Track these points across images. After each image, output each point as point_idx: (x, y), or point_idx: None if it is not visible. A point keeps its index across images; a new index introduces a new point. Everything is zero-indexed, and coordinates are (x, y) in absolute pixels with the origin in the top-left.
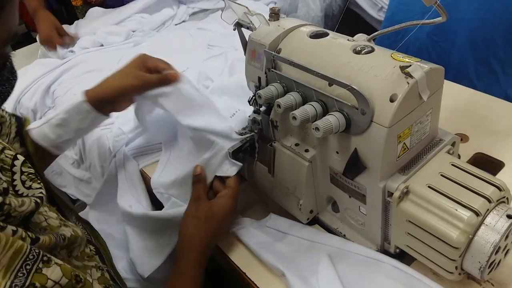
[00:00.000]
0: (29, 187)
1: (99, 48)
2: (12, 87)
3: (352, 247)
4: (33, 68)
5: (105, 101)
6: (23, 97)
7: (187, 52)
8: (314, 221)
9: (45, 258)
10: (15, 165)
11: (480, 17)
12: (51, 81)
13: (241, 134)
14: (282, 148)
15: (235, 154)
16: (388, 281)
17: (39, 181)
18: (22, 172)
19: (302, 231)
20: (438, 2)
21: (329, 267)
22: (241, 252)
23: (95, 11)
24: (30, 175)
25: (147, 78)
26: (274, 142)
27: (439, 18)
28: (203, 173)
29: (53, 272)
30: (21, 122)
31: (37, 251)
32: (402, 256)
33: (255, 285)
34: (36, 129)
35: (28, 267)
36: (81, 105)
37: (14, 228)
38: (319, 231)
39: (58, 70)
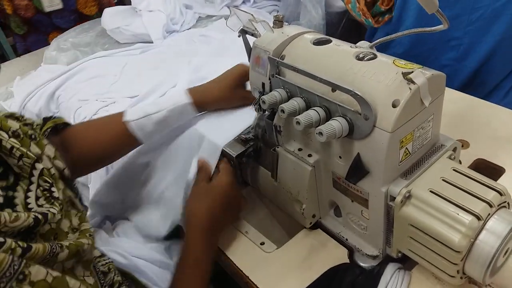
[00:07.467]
0: (41, 206)
1: (103, 54)
2: None
3: None
4: (38, 74)
5: (204, 108)
6: (28, 102)
7: (190, 59)
8: (316, 226)
9: (20, 277)
10: (33, 175)
11: None
12: (55, 87)
13: (245, 139)
14: (286, 153)
15: (239, 158)
16: None
17: (52, 201)
18: (38, 185)
19: None
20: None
21: None
22: (244, 255)
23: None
24: (45, 193)
25: (249, 100)
26: (278, 147)
27: (441, 26)
28: (204, 164)
29: None
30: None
31: (16, 267)
32: (404, 261)
33: None
34: (135, 121)
35: (2, 285)
36: (187, 107)
37: (2, 240)
38: None
39: (62, 77)
